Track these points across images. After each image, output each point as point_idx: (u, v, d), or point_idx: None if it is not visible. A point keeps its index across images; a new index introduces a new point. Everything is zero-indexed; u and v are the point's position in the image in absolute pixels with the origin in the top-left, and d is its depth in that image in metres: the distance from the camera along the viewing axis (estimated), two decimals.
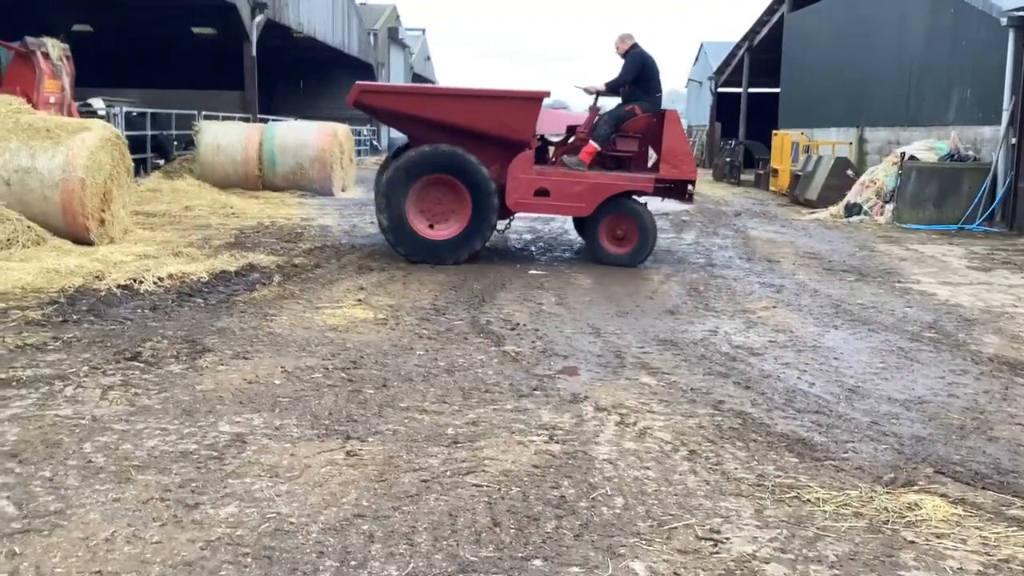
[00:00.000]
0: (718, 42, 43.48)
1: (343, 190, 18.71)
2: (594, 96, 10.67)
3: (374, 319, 7.19)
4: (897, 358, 6.46)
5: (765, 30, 29.43)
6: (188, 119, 20.25)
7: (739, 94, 32.44)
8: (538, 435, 4.64)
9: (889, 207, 15.13)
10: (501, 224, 10.70)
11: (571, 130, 11.02)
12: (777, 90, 29.15)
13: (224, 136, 17.88)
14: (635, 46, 10.47)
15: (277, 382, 5.42)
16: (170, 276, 8.28)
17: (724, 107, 35.67)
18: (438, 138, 9.78)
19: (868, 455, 4.51)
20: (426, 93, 9.93)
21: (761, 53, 30.15)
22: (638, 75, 10.30)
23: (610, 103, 10.92)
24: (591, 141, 10.21)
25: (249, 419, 4.76)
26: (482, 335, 6.78)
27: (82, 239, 9.71)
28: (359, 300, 7.87)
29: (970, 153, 15.20)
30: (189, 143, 18.99)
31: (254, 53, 24.70)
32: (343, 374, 5.63)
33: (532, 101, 9.76)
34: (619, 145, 10.39)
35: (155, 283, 8.03)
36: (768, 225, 14.83)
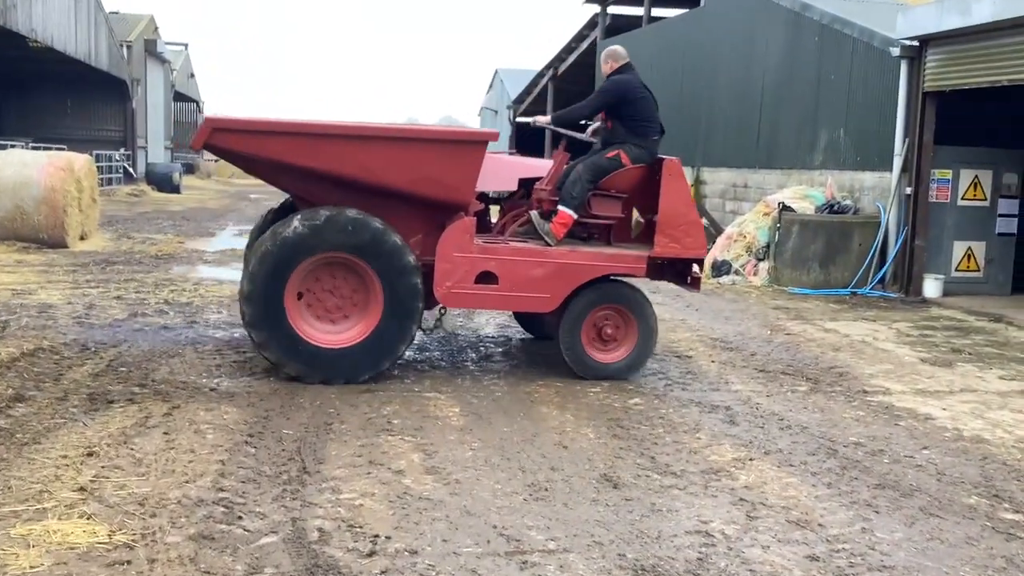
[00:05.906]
0: (515, 69, 41.55)
1: (82, 238, 14.59)
2: (562, 134, 7.67)
3: (108, 546, 3.86)
4: None
5: (572, 57, 27.52)
6: None
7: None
8: None
9: (764, 266, 12.89)
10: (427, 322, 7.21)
11: (524, 184, 7.78)
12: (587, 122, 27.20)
13: None
14: (622, 68, 7.37)
15: None
16: None
17: (524, 138, 33.39)
18: (330, 196, 6.61)
19: None
20: (316, 134, 6.58)
21: (567, 82, 28.21)
22: (613, 108, 7.27)
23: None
24: (561, 206, 7.09)
25: None
26: None
27: None
28: (82, 488, 4.46)
29: (848, 203, 13.12)
30: None
31: None
32: None
33: (474, 146, 6.66)
34: (596, 208, 7.27)
35: None
36: None
